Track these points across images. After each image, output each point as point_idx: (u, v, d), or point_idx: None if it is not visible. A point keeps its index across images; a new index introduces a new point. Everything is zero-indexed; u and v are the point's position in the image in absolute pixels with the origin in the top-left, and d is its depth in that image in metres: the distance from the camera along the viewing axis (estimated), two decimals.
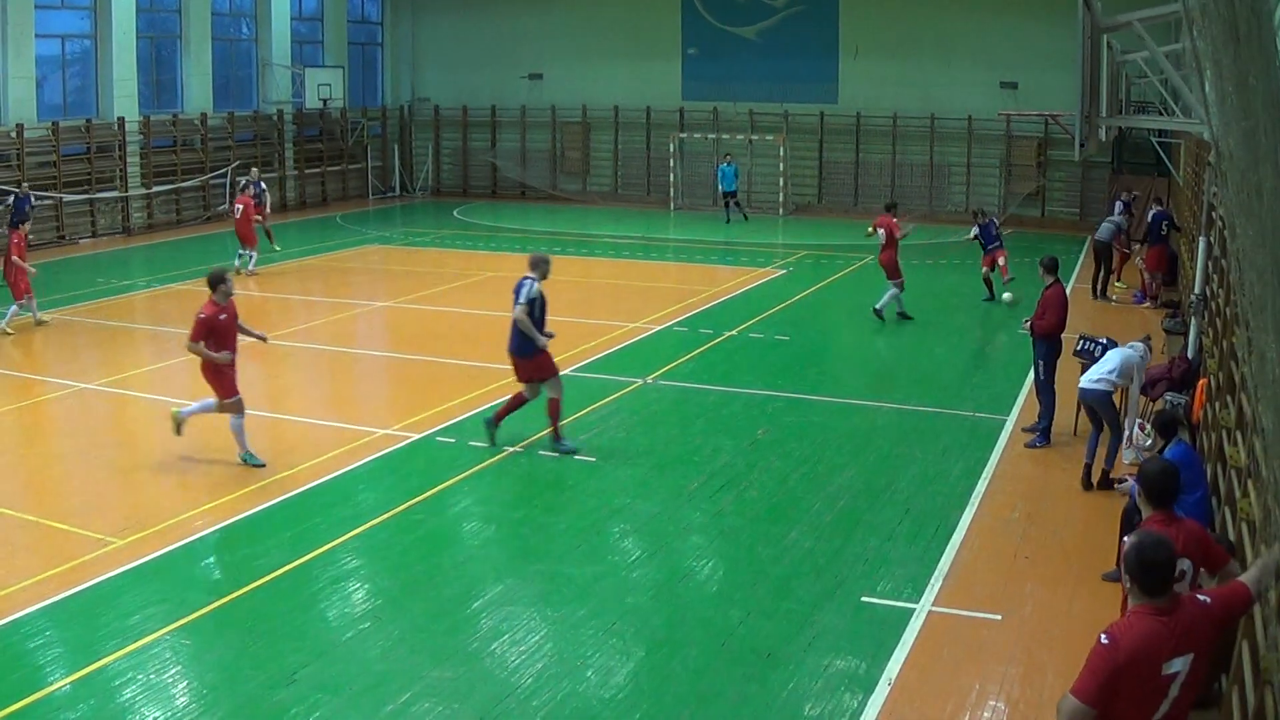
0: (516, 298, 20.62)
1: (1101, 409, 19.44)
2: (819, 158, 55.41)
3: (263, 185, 43.14)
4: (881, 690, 12.98)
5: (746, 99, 56.18)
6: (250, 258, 39.22)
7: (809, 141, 55.41)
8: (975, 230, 35.24)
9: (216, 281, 20.13)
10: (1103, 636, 7.93)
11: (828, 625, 14.55)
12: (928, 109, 52.62)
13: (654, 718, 12.52)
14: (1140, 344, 20.26)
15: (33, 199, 41.10)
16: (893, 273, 31.22)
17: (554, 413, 20.74)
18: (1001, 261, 34.29)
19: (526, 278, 20.77)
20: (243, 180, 43.15)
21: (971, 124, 52.07)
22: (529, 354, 20.65)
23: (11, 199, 40.07)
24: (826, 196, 55.34)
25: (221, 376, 20.17)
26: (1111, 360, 19.76)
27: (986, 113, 51.28)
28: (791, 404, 23.68)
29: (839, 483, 19.51)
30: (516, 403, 21.15)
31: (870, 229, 32.40)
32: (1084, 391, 19.73)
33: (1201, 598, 8.28)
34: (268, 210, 43.07)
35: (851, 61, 54.20)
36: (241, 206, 39.06)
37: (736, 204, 52.13)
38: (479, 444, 21.17)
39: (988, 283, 34.79)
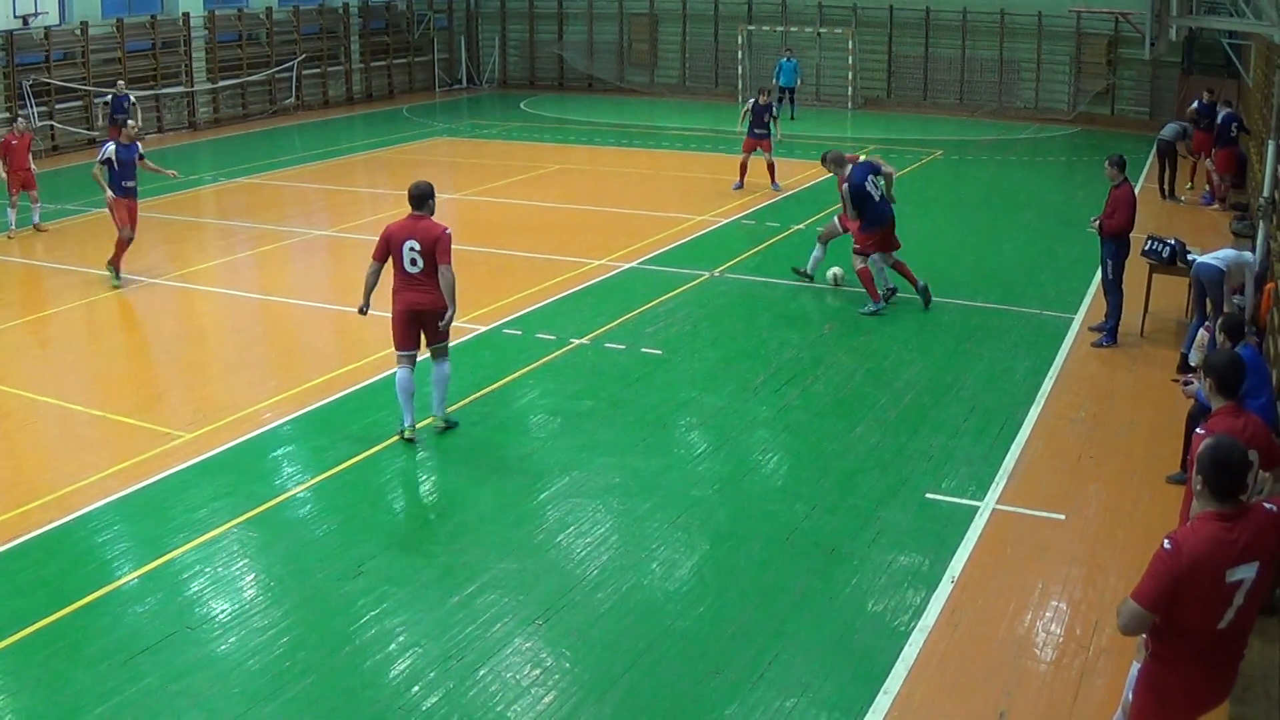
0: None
1: (1211, 286, 19.32)
2: (888, 52, 54.89)
3: (131, 99, 41.50)
4: (944, 587, 12.99)
5: None
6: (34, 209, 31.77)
7: (878, 35, 54.86)
8: (750, 104, 35.30)
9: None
10: (1165, 541, 7.86)
11: (892, 521, 14.56)
12: (997, 4, 51.94)
13: (718, 611, 12.56)
14: (1250, 253, 20.10)
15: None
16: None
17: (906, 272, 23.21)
18: (766, 154, 34.79)
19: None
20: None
21: (1041, 20, 51.35)
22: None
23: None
24: (896, 91, 54.80)
25: None
26: (1226, 250, 19.75)
27: (1057, 9, 50.63)
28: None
29: (905, 379, 19.46)
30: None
31: None
32: (1199, 265, 19.66)
33: (1269, 506, 8.19)
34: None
35: None
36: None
37: (792, 100, 51.63)
38: (546, 336, 21.23)
39: (744, 169, 35.10)
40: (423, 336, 17.15)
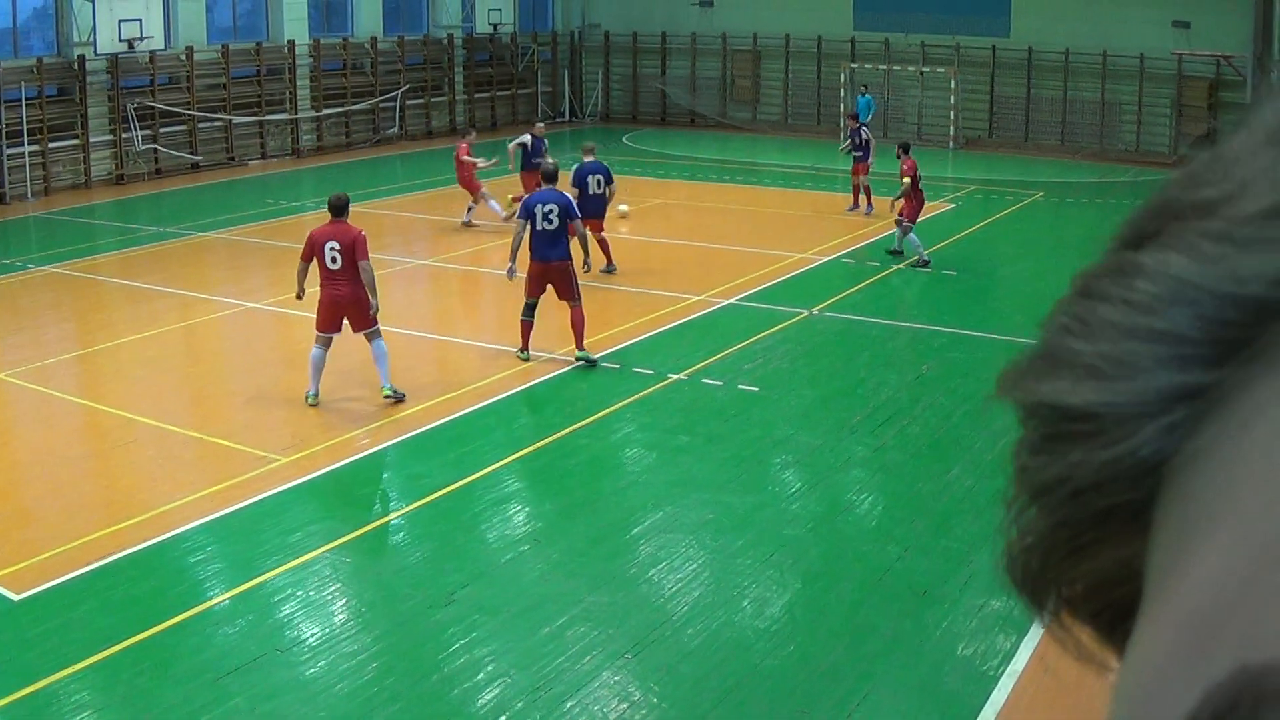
0: None
1: None
2: (990, 92, 54.65)
3: (545, 142, 36.05)
4: (1035, 632, 12.85)
5: (918, 30, 55.51)
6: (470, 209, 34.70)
7: (980, 75, 54.62)
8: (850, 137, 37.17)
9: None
10: None
11: (985, 565, 14.41)
12: (1100, 45, 51.63)
13: (808, 651, 12.51)
14: None
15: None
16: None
17: None
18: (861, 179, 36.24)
19: None
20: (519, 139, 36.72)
21: (1143, 62, 50.97)
22: None
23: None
24: (997, 131, 54.57)
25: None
26: None
27: (1158, 51, 50.22)
28: (957, 340, 23.52)
29: (1003, 421, 18.52)
30: None
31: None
32: None
33: None
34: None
35: None
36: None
37: None
38: (643, 370, 21.25)
39: (865, 191, 36.49)
40: (348, 324, 19.84)
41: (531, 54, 61.41)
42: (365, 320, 19.60)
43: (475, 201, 33.85)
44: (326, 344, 19.66)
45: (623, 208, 31.38)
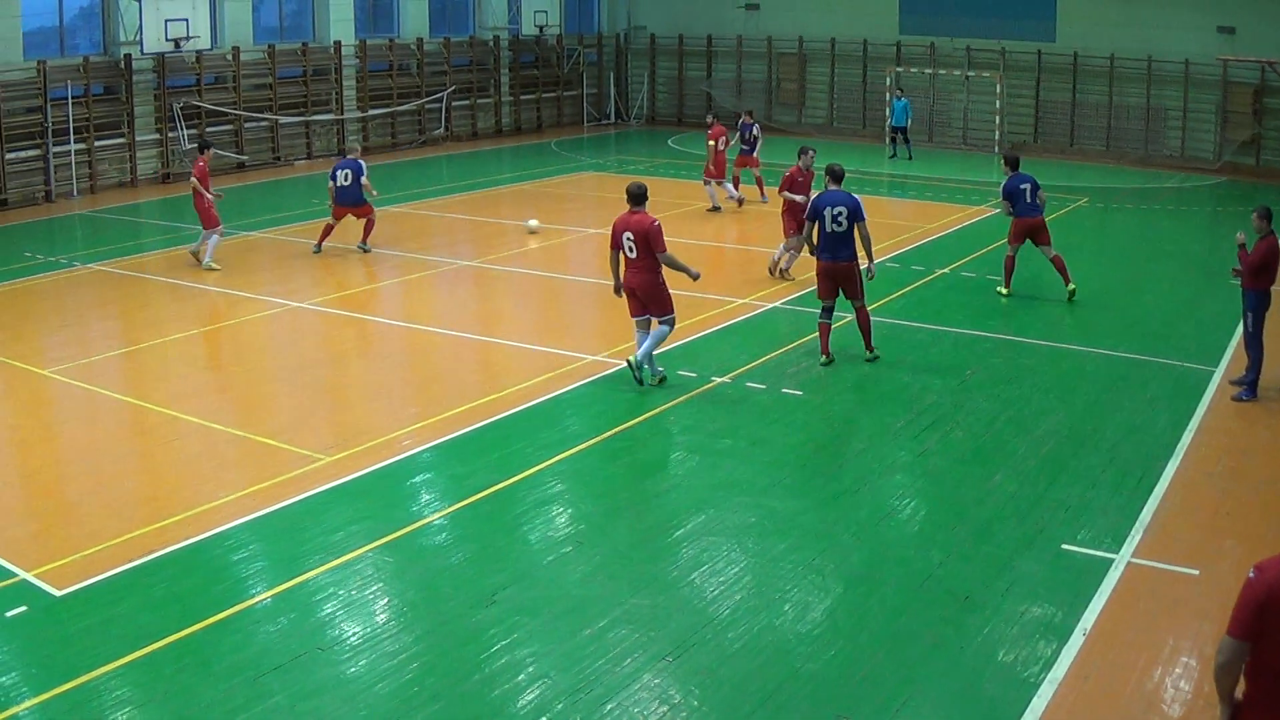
0: None
1: None
2: (1035, 97, 54.40)
3: (755, 129, 39.85)
4: (1076, 640, 12.83)
5: (964, 35, 55.34)
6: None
7: (1026, 80, 54.39)
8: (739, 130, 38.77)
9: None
10: (1251, 570, 7.75)
11: (1026, 571, 14.41)
12: (1145, 51, 51.35)
13: (848, 655, 12.50)
14: None
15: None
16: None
17: None
18: (756, 172, 38.76)
19: None
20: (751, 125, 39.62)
21: (1189, 67, 50.68)
22: None
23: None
24: (1042, 136, 54.29)
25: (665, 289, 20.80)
26: None
27: (1203, 57, 49.93)
28: (1001, 345, 23.45)
29: (1045, 427, 19.26)
30: None
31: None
32: None
33: None
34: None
35: None
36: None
37: (906, 140, 51.59)
38: (687, 373, 21.24)
39: (735, 182, 38.74)
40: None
41: (577, 56, 61.51)
42: (658, 307, 20.56)
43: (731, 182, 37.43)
44: (642, 327, 20.84)
45: (532, 223, 34.30)
